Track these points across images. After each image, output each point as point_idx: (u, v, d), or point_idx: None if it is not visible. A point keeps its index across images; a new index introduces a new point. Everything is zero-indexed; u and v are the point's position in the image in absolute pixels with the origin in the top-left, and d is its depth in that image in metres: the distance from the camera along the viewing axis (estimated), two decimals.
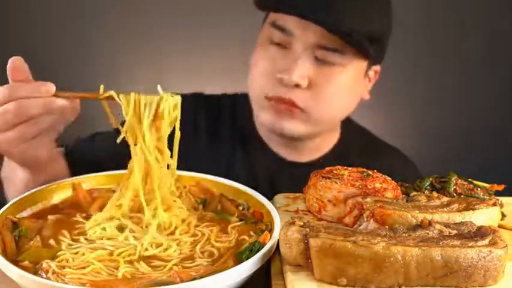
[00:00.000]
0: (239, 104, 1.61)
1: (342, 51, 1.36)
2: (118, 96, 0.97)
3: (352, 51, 1.37)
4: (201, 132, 1.57)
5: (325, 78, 1.38)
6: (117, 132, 1.00)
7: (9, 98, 0.92)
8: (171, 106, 0.98)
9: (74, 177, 1.12)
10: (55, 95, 0.94)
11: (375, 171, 1.07)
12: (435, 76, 2.88)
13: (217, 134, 1.57)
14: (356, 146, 1.63)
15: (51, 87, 0.94)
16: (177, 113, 0.99)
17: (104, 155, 1.26)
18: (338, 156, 1.59)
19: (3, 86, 0.93)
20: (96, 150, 1.44)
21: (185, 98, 1.68)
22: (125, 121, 0.99)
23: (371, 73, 1.51)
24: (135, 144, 0.99)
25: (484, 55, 2.85)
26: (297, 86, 1.37)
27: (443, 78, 2.90)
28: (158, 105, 0.97)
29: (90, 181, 1.13)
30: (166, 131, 0.99)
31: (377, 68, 1.52)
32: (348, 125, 1.64)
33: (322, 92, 1.39)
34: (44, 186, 1.07)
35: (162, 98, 0.98)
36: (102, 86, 0.96)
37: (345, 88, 1.42)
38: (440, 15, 2.81)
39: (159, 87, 0.98)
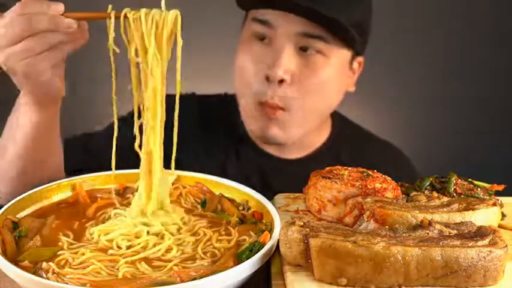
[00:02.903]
0: (229, 103, 1.58)
1: (325, 38, 1.35)
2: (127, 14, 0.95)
3: (336, 39, 1.36)
4: (195, 132, 1.55)
5: (309, 71, 1.38)
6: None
7: (19, 13, 0.96)
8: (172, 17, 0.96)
9: (74, 177, 1.12)
10: (64, 15, 0.97)
11: (375, 171, 1.07)
12: (436, 75, 2.88)
13: (210, 134, 1.56)
14: (348, 139, 1.62)
15: (60, 6, 0.98)
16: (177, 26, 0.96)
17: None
18: (330, 150, 1.58)
19: (16, 4, 0.98)
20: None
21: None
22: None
23: (355, 65, 1.50)
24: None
25: (486, 55, 2.85)
26: (282, 81, 1.36)
27: (444, 77, 2.90)
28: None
29: (90, 181, 1.12)
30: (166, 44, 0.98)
31: (360, 59, 1.51)
32: (338, 119, 1.63)
33: (307, 85, 1.38)
34: (44, 186, 1.07)
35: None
36: (110, 6, 0.97)
37: (329, 80, 1.41)
38: (438, 13, 2.81)
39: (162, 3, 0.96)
